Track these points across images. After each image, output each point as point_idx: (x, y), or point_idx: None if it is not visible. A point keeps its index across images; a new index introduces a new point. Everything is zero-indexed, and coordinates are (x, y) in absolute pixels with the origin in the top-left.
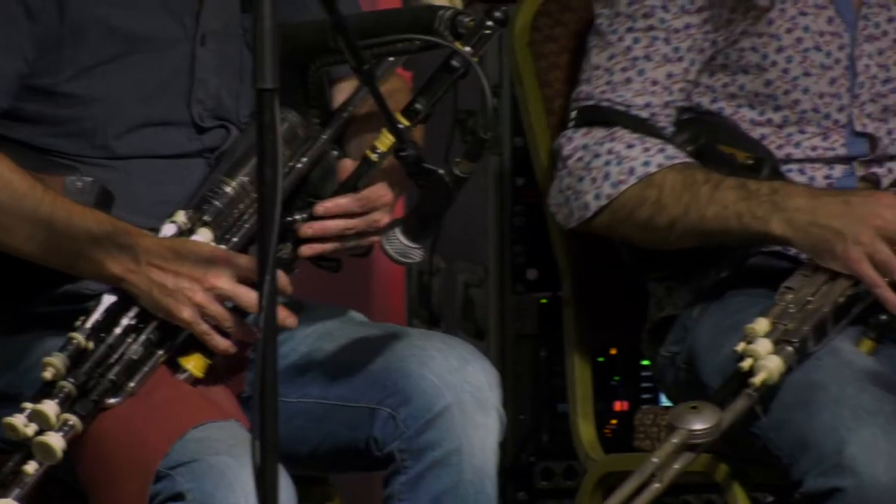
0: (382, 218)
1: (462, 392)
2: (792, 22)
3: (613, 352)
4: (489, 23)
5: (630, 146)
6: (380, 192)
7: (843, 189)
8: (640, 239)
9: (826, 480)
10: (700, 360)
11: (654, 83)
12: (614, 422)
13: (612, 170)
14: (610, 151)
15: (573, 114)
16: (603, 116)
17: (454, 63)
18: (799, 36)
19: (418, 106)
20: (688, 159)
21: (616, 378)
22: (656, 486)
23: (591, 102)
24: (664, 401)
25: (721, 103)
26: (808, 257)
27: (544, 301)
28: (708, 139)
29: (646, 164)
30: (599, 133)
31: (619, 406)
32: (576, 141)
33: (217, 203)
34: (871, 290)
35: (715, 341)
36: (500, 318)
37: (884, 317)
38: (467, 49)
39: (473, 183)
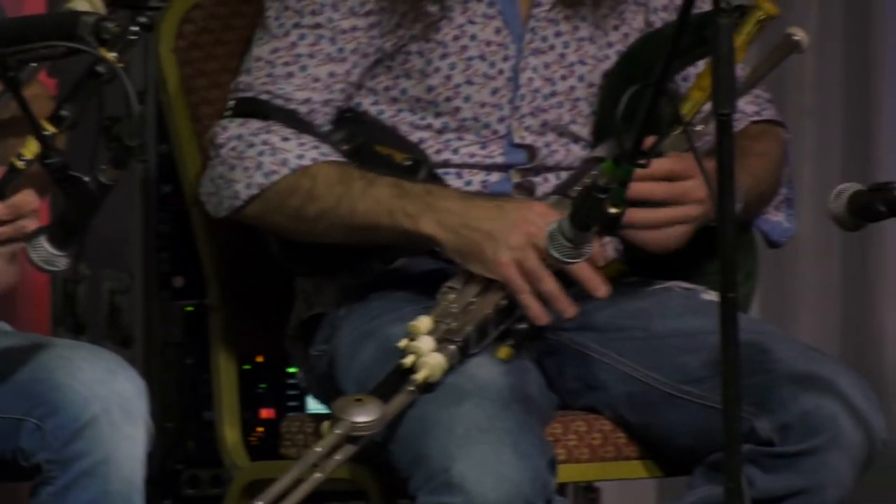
0: (29, 224)
1: (110, 403)
2: (459, 30)
3: (260, 359)
4: (134, 28)
5: (285, 139)
6: (27, 198)
7: (497, 194)
8: (291, 229)
9: (436, 498)
10: (338, 367)
11: (316, 80)
12: (261, 429)
13: (266, 160)
14: (265, 143)
15: (230, 104)
16: (260, 109)
17: (99, 69)
18: (465, 44)
19: (64, 113)
20: (343, 159)
21: (262, 386)
22: (317, 475)
23: (250, 94)
24: (310, 408)
25: (382, 106)
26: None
27: (190, 309)
28: (365, 139)
29: (300, 157)
30: (255, 125)
31: (265, 414)
32: (230, 130)
33: None
34: (516, 295)
35: (352, 349)
36: (146, 326)
37: (524, 325)
38: (112, 55)
39: (119, 190)
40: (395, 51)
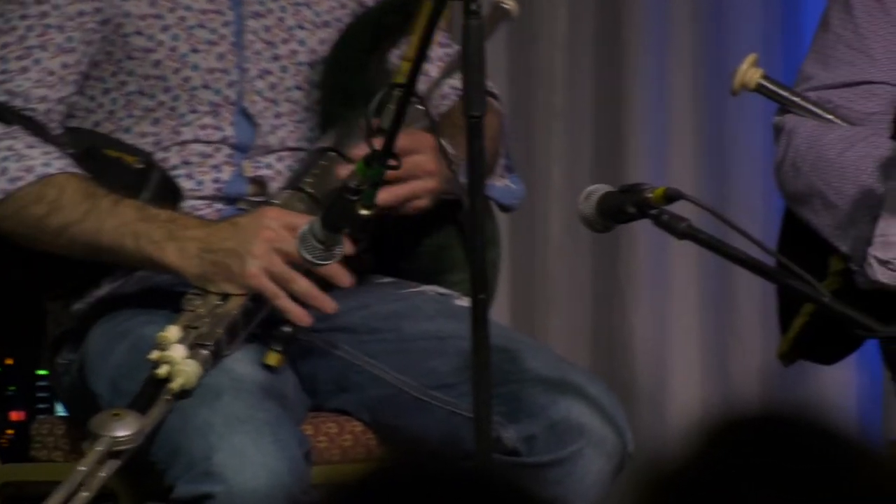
0: None
1: None
2: (173, 1)
3: (9, 361)
4: None
5: (31, 147)
6: None
7: (233, 216)
8: (29, 237)
9: (196, 487)
10: (89, 368)
11: (51, 74)
12: (11, 432)
13: (11, 165)
14: (10, 148)
15: None
16: (1, 113)
17: None
18: (182, 14)
19: None
20: (87, 174)
21: (12, 388)
22: (84, 494)
23: None
24: (61, 410)
25: (114, 94)
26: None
27: None
28: (93, 143)
29: (46, 164)
30: None
31: (15, 416)
32: None
33: None
34: (273, 302)
35: (105, 349)
36: None
37: (287, 328)
38: None
39: None
40: (114, 33)
